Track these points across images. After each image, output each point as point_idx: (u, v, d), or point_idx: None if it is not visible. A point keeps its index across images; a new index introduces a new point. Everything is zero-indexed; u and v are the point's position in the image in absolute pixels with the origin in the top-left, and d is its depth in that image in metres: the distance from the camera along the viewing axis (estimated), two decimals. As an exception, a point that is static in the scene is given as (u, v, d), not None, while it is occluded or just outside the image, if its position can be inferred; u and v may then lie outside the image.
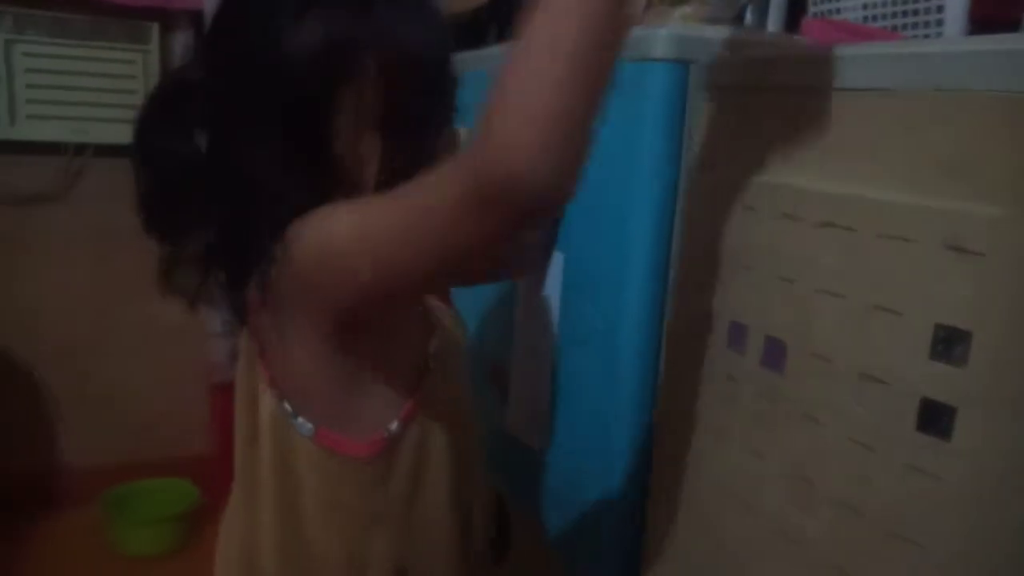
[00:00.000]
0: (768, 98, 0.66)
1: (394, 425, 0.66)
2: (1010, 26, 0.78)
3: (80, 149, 2.07)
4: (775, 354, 0.63)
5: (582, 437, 0.87)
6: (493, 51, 1.22)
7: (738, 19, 0.97)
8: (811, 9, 0.92)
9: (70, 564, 1.97)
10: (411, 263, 0.55)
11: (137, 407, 2.21)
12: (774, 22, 0.99)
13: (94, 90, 2.06)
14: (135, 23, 2.07)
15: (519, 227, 0.50)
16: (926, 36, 0.79)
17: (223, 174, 0.63)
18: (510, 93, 0.46)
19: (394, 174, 0.61)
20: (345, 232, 0.57)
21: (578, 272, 0.87)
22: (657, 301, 0.77)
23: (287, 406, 0.66)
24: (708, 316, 0.70)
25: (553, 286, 0.90)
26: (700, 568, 0.73)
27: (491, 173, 0.46)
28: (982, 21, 0.79)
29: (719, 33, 0.80)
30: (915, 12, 0.79)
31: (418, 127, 0.63)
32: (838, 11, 0.88)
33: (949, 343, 0.49)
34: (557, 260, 0.90)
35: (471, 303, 1.08)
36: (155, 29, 2.09)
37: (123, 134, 2.26)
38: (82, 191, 2.10)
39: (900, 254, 0.52)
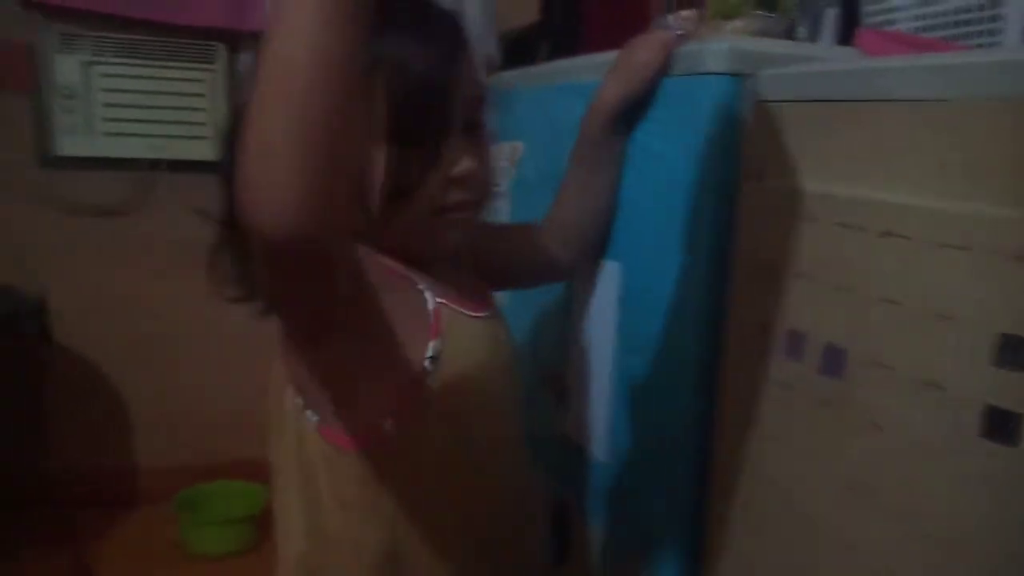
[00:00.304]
0: (823, 110, 0.67)
1: (387, 423, 0.68)
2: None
3: (154, 164, 2.17)
4: (834, 362, 0.64)
5: (641, 443, 0.89)
6: (544, 68, 1.25)
7: (791, 32, 0.99)
8: (865, 21, 0.93)
9: (145, 560, 2.05)
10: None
11: (211, 411, 2.27)
12: (827, 34, 0.99)
13: (165, 108, 2.15)
14: (203, 44, 2.16)
15: (287, 266, 0.49)
16: (980, 45, 0.79)
17: None
18: (246, 128, 0.44)
19: (398, 181, 0.65)
20: None
21: (635, 281, 0.89)
22: (714, 310, 0.78)
23: (299, 400, 0.69)
24: (766, 324, 0.71)
25: (609, 294, 0.92)
26: (760, 574, 0.74)
27: (243, 212, 0.45)
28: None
29: (772, 46, 0.82)
30: (968, 22, 0.79)
31: (417, 139, 0.65)
32: (892, 22, 0.88)
33: (1013, 350, 0.49)
34: (614, 270, 0.92)
35: (525, 310, 1.10)
36: (221, 50, 2.18)
37: (194, 150, 2.39)
38: (156, 203, 2.19)
39: (959, 262, 0.53)
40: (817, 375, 0.65)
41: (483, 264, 0.85)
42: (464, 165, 0.69)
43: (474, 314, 0.74)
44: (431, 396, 0.69)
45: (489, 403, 0.75)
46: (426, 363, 0.68)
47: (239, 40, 2.19)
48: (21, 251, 2.10)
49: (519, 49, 2.24)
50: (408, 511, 0.70)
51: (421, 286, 0.71)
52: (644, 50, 0.84)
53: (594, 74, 0.91)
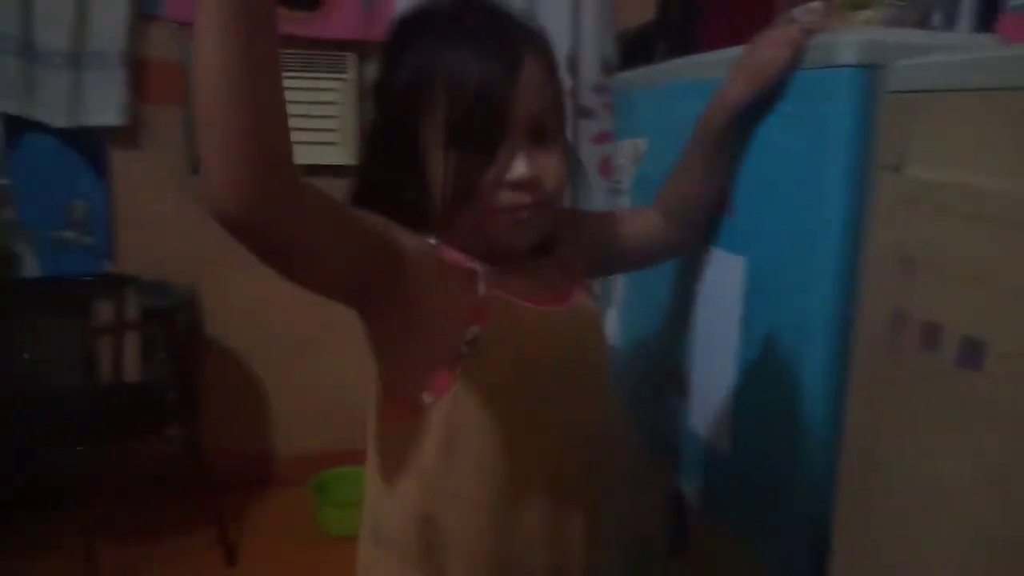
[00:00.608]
0: (960, 99, 0.66)
1: (427, 396, 0.74)
2: None
3: (290, 169, 2.31)
4: (973, 354, 0.63)
5: (764, 437, 0.89)
6: (665, 67, 1.26)
7: (925, 20, 0.96)
8: (1007, 5, 0.89)
9: (282, 539, 2.19)
10: None
11: (344, 401, 2.36)
12: (965, 21, 0.96)
13: (300, 116, 2.28)
14: (335, 55, 2.28)
15: (256, 250, 0.56)
16: None
17: (366, 175, 0.78)
18: None
19: (454, 184, 0.71)
20: None
21: (761, 275, 0.89)
22: (845, 302, 0.78)
23: (376, 367, 0.78)
24: (900, 316, 0.70)
25: (733, 288, 0.93)
26: (892, 568, 0.73)
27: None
28: None
29: (906, 36, 0.81)
30: (1124, 3, 0.76)
31: (471, 145, 0.71)
32: (1037, 6, 0.85)
33: None
34: (738, 263, 0.93)
35: (645, 304, 1.12)
36: (352, 59, 2.29)
37: (327, 155, 2.53)
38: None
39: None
40: (955, 367, 0.64)
41: (596, 252, 0.91)
42: (518, 171, 0.72)
43: (539, 306, 0.78)
44: (465, 378, 0.73)
45: (532, 391, 0.77)
46: (464, 347, 0.73)
47: (369, 50, 2.30)
48: (175, 250, 2.28)
49: (637, 49, 2.24)
50: (442, 479, 0.76)
51: (478, 276, 0.75)
52: (770, 47, 0.84)
53: (716, 72, 0.91)
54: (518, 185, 0.73)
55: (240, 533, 2.19)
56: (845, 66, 0.77)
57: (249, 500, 2.36)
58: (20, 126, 2.15)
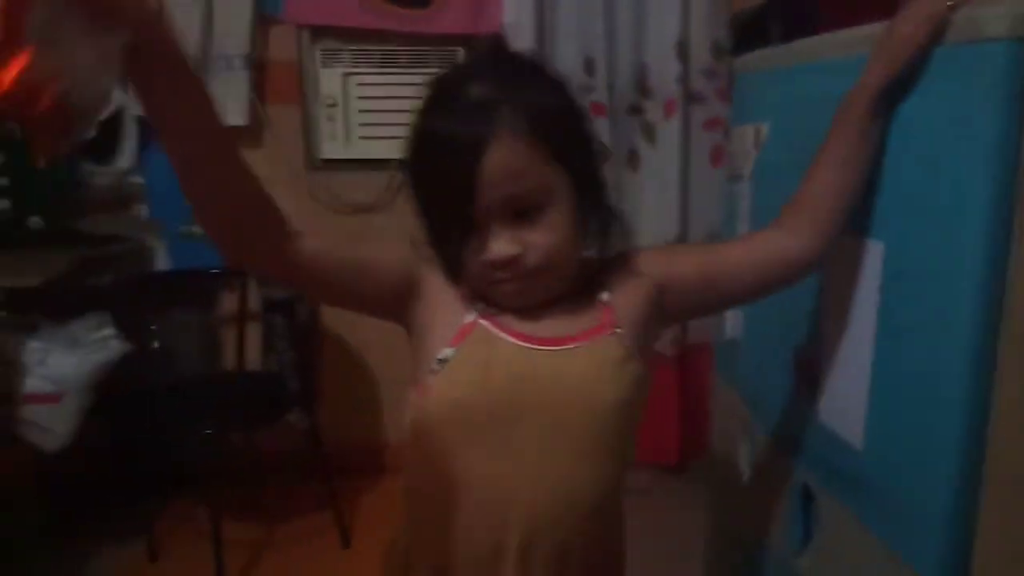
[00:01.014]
0: None
1: (413, 394, 0.84)
2: None
3: (401, 163, 2.36)
4: None
5: (902, 433, 0.85)
6: (786, 49, 1.20)
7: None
8: None
9: (393, 524, 2.25)
10: None
11: None
12: None
13: (411, 111, 2.34)
14: (444, 50, 2.32)
15: (249, 269, 0.73)
16: None
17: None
18: None
19: (446, 264, 0.83)
20: None
21: (900, 263, 0.85)
22: (994, 293, 0.73)
23: None
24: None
25: (870, 276, 0.89)
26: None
27: None
28: None
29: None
30: None
31: (443, 235, 0.81)
32: None
33: None
34: (876, 250, 0.88)
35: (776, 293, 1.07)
36: (461, 54, 2.32)
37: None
38: (405, 201, 2.38)
39: None
40: None
41: (686, 287, 0.88)
42: (490, 253, 0.77)
43: (526, 343, 0.80)
44: (430, 391, 0.80)
45: (492, 418, 0.79)
46: (436, 363, 0.80)
47: (475, 43, 2.32)
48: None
49: (750, 31, 2.18)
50: (416, 464, 0.86)
51: (472, 307, 0.82)
52: (906, 23, 0.79)
53: (842, 52, 0.88)
54: (493, 265, 0.77)
55: (354, 518, 2.27)
56: (995, 39, 0.72)
57: (363, 486, 2.44)
58: (152, 128, 2.28)
